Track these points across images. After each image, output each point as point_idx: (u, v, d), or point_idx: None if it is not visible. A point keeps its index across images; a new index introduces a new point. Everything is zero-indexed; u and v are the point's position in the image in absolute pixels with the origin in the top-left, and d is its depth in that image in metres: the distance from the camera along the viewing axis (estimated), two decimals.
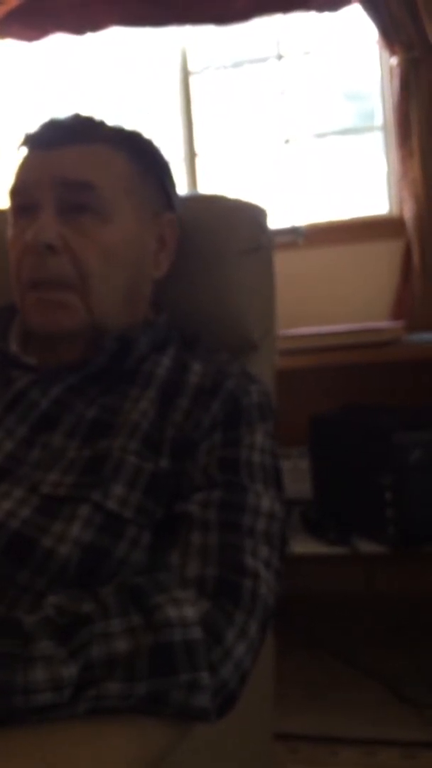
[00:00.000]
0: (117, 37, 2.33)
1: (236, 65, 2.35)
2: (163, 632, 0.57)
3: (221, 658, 0.59)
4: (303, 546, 1.70)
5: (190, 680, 0.56)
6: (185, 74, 2.36)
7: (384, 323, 1.93)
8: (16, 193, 0.80)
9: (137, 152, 0.82)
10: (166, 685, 0.56)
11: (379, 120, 2.23)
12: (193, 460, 0.73)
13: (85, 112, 0.82)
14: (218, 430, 0.75)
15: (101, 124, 0.82)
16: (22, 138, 0.81)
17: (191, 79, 2.36)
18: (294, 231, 2.04)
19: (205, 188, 2.36)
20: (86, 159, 0.78)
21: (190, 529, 0.68)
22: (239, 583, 0.63)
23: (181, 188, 0.89)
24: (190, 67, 2.36)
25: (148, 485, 0.70)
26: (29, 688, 0.53)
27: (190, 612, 0.59)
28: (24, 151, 0.81)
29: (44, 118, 0.81)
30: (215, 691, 0.58)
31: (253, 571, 0.65)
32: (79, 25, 2.22)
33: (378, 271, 2.08)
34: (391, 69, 2.04)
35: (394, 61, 2.01)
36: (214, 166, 2.36)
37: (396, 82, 2.00)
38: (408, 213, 2.01)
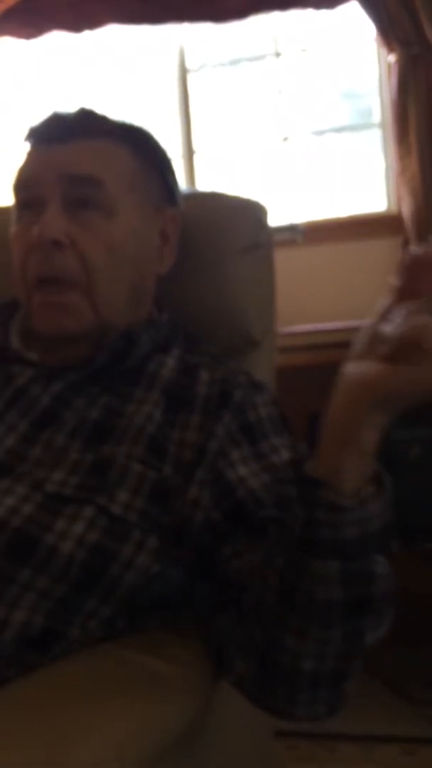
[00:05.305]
0: (114, 35, 2.33)
1: (234, 63, 2.35)
2: None
3: None
4: None
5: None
6: (183, 72, 2.36)
7: None
8: (20, 188, 0.79)
9: (140, 147, 0.82)
10: None
11: (377, 117, 2.23)
12: (215, 486, 0.70)
13: (88, 107, 0.81)
14: (237, 447, 0.73)
15: (105, 118, 0.81)
16: (25, 132, 0.80)
17: (189, 77, 2.36)
18: (292, 229, 2.03)
19: (203, 186, 2.36)
20: (91, 154, 0.77)
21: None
22: None
23: (180, 186, 0.89)
24: (187, 65, 2.36)
25: (152, 492, 0.69)
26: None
27: None
28: (27, 145, 0.80)
29: (48, 113, 0.80)
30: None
31: None
32: (77, 23, 2.22)
33: (377, 268, 2.08)
34: (388, 66, 2.04)
35: (391, 58, 2.01)
36: (213, 164, 2.36)
37: (394, 80, 2.00)
38: (406, 210, 2.01)
